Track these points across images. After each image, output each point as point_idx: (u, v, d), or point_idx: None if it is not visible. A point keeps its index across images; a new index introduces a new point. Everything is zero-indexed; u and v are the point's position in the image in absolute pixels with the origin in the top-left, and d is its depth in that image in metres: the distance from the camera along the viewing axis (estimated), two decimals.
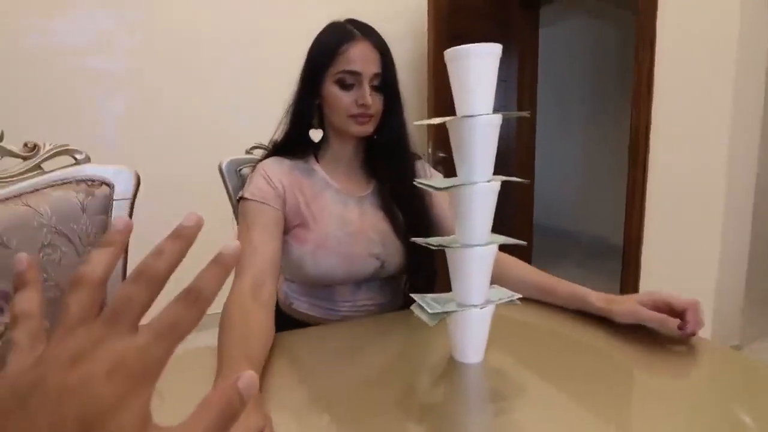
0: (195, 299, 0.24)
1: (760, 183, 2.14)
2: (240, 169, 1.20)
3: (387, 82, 0.88)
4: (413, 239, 0.68)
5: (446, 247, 0.62)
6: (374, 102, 0.86)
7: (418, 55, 2.84)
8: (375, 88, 0.87)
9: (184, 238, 0.25)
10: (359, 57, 0.85)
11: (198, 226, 0.26)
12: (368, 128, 0.89)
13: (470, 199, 0.62)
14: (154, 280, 0.24)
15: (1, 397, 0.22)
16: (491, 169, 0.63)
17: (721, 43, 1.98)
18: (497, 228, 0.65)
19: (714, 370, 0.69)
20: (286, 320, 0.94)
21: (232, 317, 0.68)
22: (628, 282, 2.42)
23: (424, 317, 0.62)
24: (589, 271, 3.62)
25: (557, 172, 4.80)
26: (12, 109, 2.03)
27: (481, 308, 0.63)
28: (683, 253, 2.18)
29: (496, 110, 0.59)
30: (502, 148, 2.81)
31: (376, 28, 0.92)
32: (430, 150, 2.60)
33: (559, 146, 4.79)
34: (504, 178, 0.64)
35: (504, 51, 2.62)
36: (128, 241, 0.27)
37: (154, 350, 0.23)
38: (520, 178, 0.63)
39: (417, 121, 0.65)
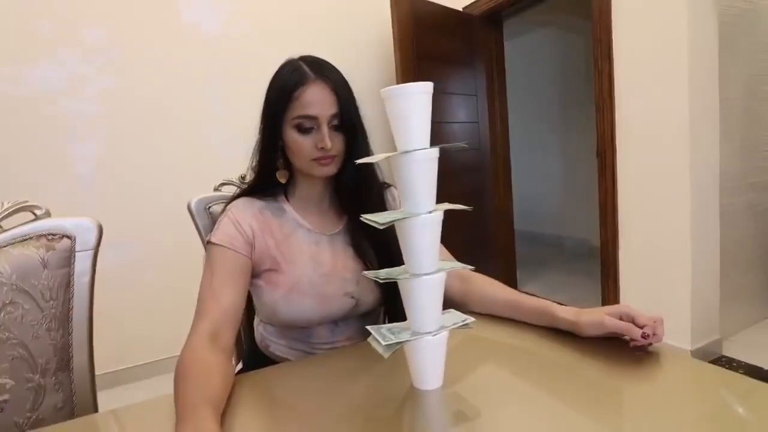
0: None
1: (723, 180, 2.21)
2: (209, 207, 1.20)
3: (346, 121, 0.86)
4: (364, 273, 0.69)
5: (394, 279, 0.64)
6: (334, 143, 0.85)
7: (387, 77, 2.90)
8: (335, 128, 0.86)
9: None
10: (315, 100, 0.83)
11: None
12: (331, 169, 0.88)
13: (415, 231, 0.64)
14: None
15: None
16: (433, 200, 0.65)
17: (673, 46, 2.06)
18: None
19: (683, 379, 0.71)
20: (263, 361, 0.92)
21: (189, 363, 0.67)
22: (608, 285, 2.46)
23: (379, 349, 0.63)
24: (573, 274, 3.66)
25: (536, 180, 4.88)
26: None
27: (434, 335, 0.65)
28: (658, 252, 2.23)
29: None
30: (477, 161, 2.86)
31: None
32: None
33: (536, 154, 4.88)
34: (446, 206, 0.66)
35: (471, 66, 2.71)
36: None
37: None
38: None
39: (358, 160, 0.68)
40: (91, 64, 2.24)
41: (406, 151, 0.62)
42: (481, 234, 3.20)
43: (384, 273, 0.66)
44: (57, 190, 2.18)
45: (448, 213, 0.66)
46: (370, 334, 0.94)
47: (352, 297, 0.89)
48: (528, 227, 4.89)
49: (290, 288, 0.86)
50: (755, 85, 2.39)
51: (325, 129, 0.84)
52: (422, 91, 0.62)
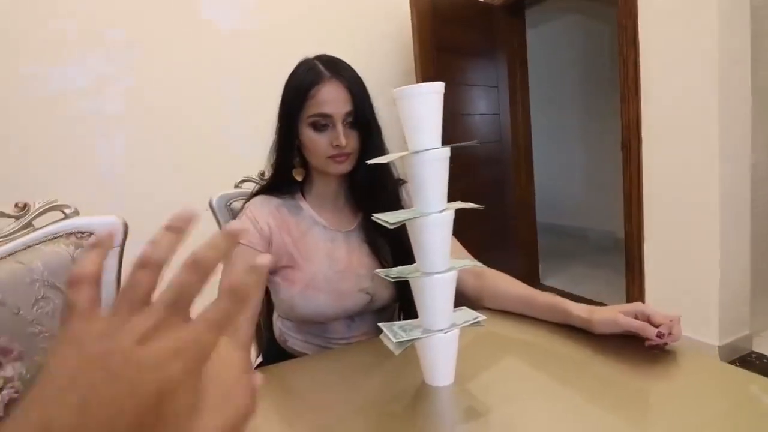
0: (239, 298, 0.28)
1: (756, 172, 2.13)
2: (230, 203, 1.24)
3: (361, 119, 0.88)
4: (376, 271, 0.70)
5: (405, 277, 0.65)
6: (349, 141, 0.87)
7: (406, 70, 2.88)
8: (349, 126, 0.88)
9: (232, 238, 0.29)
10: (329, 99, 0.85)
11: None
12: (346, 167, 0.89)
13: (426, 230, 0.64)
14: (207, 270, 0.27)
15: (73, 358, 0.24)
16: (444, 199, 0.66)
17: (702, 32, 1.99)
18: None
19: (699, 379, 0.70)
20: (282, 355, 0.96)
21: None
22: (633, 279, 2.41)
23: (390, 346, 0.65)
24: (596, 267, 3.60)
25: (560, 171, 4.79)
26: (15, 157, 2.12)
27: (446, 333, 0.66)
28: (685, 245, 2.17)
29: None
30: (498, 153, 2.83)
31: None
32: None
33: (559, 144, 4.79)
34: (458, 205, 0.67)
35: (491, 57, 2.67)
36: (190, 229, 0.30)
37: (206, 339, 0.27)
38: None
39: (369, 161, 0.69)
40: (114, 64, 2.30)
41: (417, 151, 0.63)
42: (502, 227, 3.17)
43: (395, 272, 0.67)
44: (84, 189, 2.25)
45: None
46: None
47: (367, 293, 0.90)
48: (551, 219, 4.82)
49: (306, 284, 0.88)
50: None
51: (339, 127, 0.86)
52: (433, 91, 0.62)
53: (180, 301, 0.27)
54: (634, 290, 2.40)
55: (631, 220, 2.38)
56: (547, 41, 4.61)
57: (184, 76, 2.44)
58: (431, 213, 0.64)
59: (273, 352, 1.01)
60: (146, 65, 2.37)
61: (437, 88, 0.63)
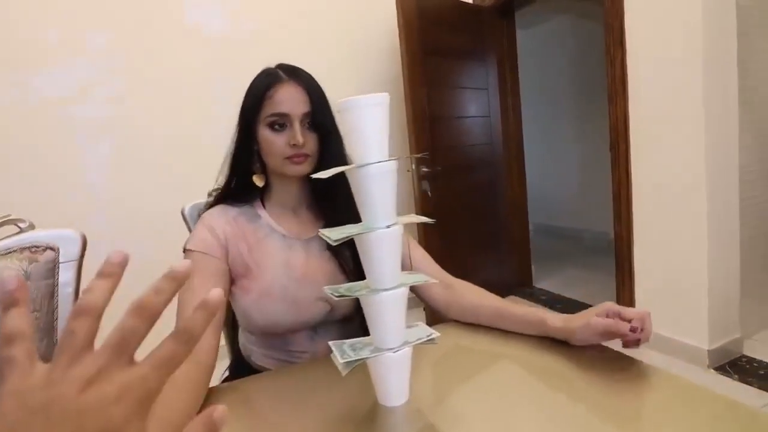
0: (187, 339, 0.29)
1: (743, 173, 2.11)
2: (202, 213, 1.22)
3: (318, 121, 0.88)
4: (324, 288, 0.68)
5: (350, 296, 0.63)
6: (307, 141, 0.86)
7: (392, 72, 2.86)
8: (308, 127, 0.87)
9: (177, 280, 0.29)
10: (286, 98, 0.86)
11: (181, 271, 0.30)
12: (305, 168, 0.88)
13: (373, 246, 0.62)
14: (153, 315, 0.28)
15: (14, 411, 0.25)
16: (393, 213, 0.64)
17: (688, 32, 1.97)
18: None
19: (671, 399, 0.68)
20: (246, 370, 0.92)
21: None
22: (623, 281, 2.38)
23: (338, 366, 0.63)
24: (590, 269, 3.57)
25: (553, 172, 4.77)
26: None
27: (396, 352, 0.64)
28: (674, 248, 2.15)
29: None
30: (490, 156, 2.81)
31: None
32: (413, 167, 2.61)
33: (551, 146, 4.77)
34: (409, 219, 0.65)
35: (481, 59, 2.66)
36: (123, 272, 0.30)
37: (152, 380, 0.27)
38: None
39: (314, 175, 0.66)
40: (97, 69, 2.28)
41: (362, 165, 0.61)
42: (494, 229, 3.15)
43: (343, 289, 0.65)
44: (68, 197, 2.24)
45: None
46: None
47: (327, 302, 0.88)
48: (545, 221, 4.80)
49: (262, 293, 0.86)
50: None
51: (297, 126, 0.86)
52: (377, 103, 0.60)
53: (124, 345, 0.27)
54: (625, 293, 2.38)
55: (620, 222, 2.36)
56: (537, 42, 4.59)
57: (168, 82, 2.43)
58: (377, 228, 0.62)
59: (238, 367, 0.99)
60: (129, 71, 2.35)
61: (381, 99, 0.61)
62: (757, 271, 2.27)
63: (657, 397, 0.66)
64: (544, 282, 3.39)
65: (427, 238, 2.53)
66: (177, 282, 0.29)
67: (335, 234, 0.61)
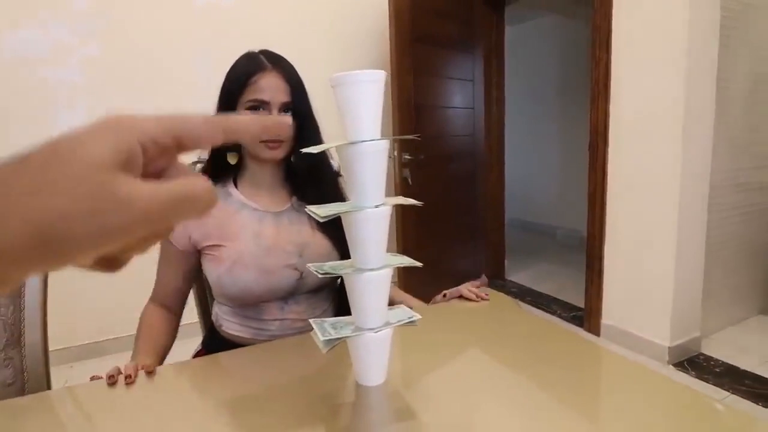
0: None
1: (714, 179, 2.18)
2: None
3: (297, 110, 0.92)
4: (308, 265, 0.68)
5: (335, 274, 0.62)
6: None
7: (380, 57, 2.84)
8: (285, 115, 0.91)
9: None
10: (268, 87, 0.89)
11: None
12: (278, 153, 0.92)
13: (361, 225, 0.62)
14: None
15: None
16: (381, 193, 0.63)
17: (672, 39, 2.01)
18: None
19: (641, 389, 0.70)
20: (219, 342, 0.95)
21: (142, 321, 0.93)
22: (593, 278, 2.45)
23: (318, 344, 0.62)
24: (562, 265, 3.65)
25: (532, 168, 4.84)
26: None
27: (377, 332, 0.64)
28: (643, 247, 2.21)
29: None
30: (471, 148, 2.80)
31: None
32: (396, 153, 2.60)
33: (533, 142, 4.83)
34: (397, 201, 0.64)
35: (469, 50, 2.63)
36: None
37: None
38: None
39: (304, 149, 0.65)
40: (77, 32, 2.18)
41: (354, 142, 0.60)
42: (471, 220, 3.18)
43: (328, 266, 0.65)
44: None
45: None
46: (321, 311, 0.94)
47: (296, 269, 0.91)
48: (521, 216, 4.88)
49: (233, 261, 0.89)
50: (755, 84, 2.34)
51: (275, 114, 0.90)
52: (373, 80, 0.59)
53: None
54: (593, 289, 2.44)
55: (593, 221, 2.41)
56: (526, 39, 4.62)
57: (152, 48, 2.34)
58: (366, 207, 0.61)
59: (212, 339, 0.99)
60: (111, 35, 2.26)
61: (377, 76, 0.60)
62: (720, 274, 2.36)
63: (615, 380, 0.68)
64: (516, 275, 3.45)
65: (405, 225, 2.54)
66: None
67: (323, 211, 0.60)
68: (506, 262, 3.49)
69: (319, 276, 0.63)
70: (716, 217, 2.25)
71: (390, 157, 2.72)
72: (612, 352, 0.73)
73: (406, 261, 0.67)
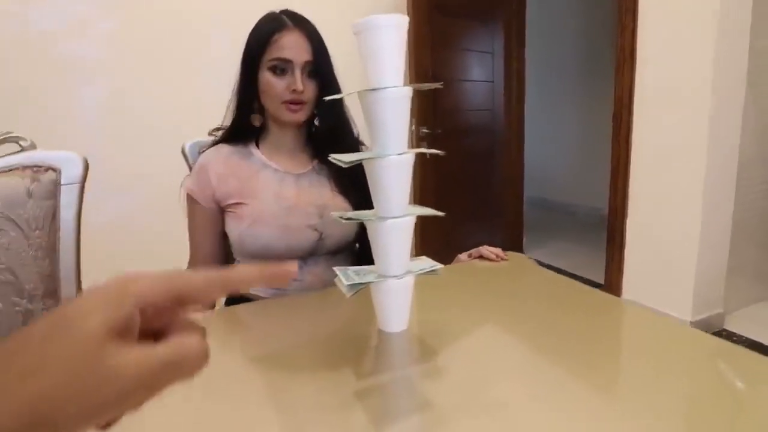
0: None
1: (743, 152, 2.11)
2: (203, 150, 1.21)
3: (320, 70, 0.92)
4: (331, 213, 0.69)
5: (359, 219, 0.63)
6: (306, 89, 0.91)
7: None
8: (308, 76, 0.91)
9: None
10: (290, 45, 0.89)
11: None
12: (300, 116, 0.92)
13: (384, 172, 0.62)
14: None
15: None
16: (404, 142, 0.63)
17: (701, 2, 1.93)
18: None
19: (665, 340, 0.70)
20: (239, 299, 0.98)
21: None
22: (613, 253, 2.42)
23: (342, 288, 0.64)
24: (580, 242, 3.62)
25: (552, 144, 4.76)
26: None
27: (400, 279, 0.65)
28: (667, 222, 2.17)
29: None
30: (490, 122, 2.76)
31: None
32: (413, 126, 2.59)
33: (552, 117, 4.73)
34: (418, 150, 0.65)
35: (489, 21, 2.58)
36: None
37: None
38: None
39: (327, 97, 0.66)
40: (95, 5, 2.21)
41: (377, 89, 0.60)
42: (488, 197, 3.16)
43: (351, 213, 0.66)
44: (62, 134, 2.19)
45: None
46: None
47: (316, 229, 0.92)
48: (540, 193, 4.81)
49: (254, 219, 0.91)
50: None
51: (298, 73, 0.89)
52: (395, 24, 0.59)
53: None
54: (613, 264, 2.42)
55: (616, 194, 2.37)
56: (547, 9, 4.49)
57: (171, 22, 2.35)
58: (389, 155, 0.62)
59: (232, 301, 1.02)
60: (131, 8, 2.27)
61: (401, 21, 0.59)
62: (746, 251, 2.31)
63: (637, 329, 0.68)
64: (533, 252, 3.43)
65: (422, 200, 2.53)
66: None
67: (347, 158, 0.61)
68: (524, 239, 3.46)
69: (343, 222, 0.64)
70: (744, 192, 2.19)
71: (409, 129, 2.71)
72: (635, 304, 0.73)
73: (429, 211, 0.67)
